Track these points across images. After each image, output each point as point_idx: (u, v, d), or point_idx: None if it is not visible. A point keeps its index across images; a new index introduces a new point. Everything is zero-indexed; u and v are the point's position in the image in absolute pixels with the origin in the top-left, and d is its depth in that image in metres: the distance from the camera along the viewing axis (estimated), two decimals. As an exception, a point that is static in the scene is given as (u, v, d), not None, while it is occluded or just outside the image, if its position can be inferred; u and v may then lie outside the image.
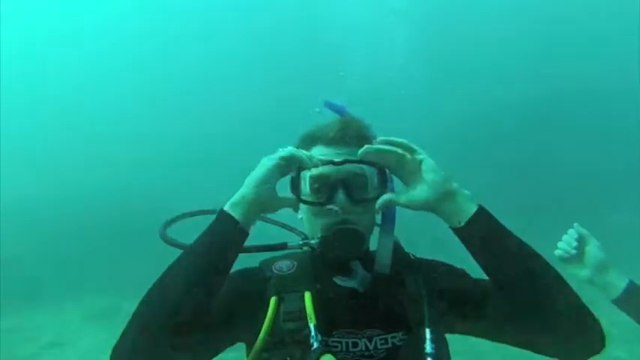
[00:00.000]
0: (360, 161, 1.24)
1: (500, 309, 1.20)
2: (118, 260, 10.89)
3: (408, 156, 1.20)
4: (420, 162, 1.19)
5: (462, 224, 1.17)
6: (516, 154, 14.26)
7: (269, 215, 1.32)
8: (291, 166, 1.24)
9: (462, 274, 1.36)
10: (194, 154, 15.05)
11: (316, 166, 1.23)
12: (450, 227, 1.21)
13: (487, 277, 1.23)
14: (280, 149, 1.24)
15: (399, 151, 1.19)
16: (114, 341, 1.08)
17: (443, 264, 1.39)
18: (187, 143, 15.27)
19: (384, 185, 1.27)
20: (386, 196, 1.24)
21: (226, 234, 1.16)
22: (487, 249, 1.17)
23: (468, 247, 1.20)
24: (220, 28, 15.66)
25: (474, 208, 1.18)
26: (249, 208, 1.18)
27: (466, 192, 1.20)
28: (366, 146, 1.20)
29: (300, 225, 1.41)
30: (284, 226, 1.50)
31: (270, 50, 15.21)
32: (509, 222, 1.21)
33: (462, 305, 1.28)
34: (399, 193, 1.24)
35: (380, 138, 1.21)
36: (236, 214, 1.17)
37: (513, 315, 1.18)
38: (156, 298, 1.10)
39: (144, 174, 14.62)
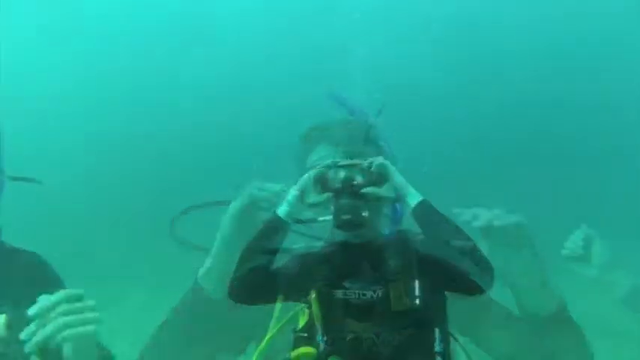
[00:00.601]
0: (365, 161, 1.24)
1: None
2: (121, 250, 10.90)
3: (514, 231, 1.26)
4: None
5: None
6: (517, 154, 14.22)
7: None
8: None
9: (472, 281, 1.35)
10: (198, 151, 15.00)
11: (279, 197, 1.28)
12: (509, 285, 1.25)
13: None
14: (242, 194, 1.28)
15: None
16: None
17: (454, 266, 1.37)
18: (188, 142, 15.19)
19: (392, 182, 1.25)
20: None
21: (205, 307, 1.26)
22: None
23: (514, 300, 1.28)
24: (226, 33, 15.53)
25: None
26: (222, 280, 1.25)
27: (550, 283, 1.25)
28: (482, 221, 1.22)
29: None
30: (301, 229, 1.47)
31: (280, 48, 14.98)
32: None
33: (467, 309, 1.32)
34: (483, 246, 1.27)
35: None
36: (209, 288, 1.28)
37: None
38: None
39: (145, 171, 14.60)
